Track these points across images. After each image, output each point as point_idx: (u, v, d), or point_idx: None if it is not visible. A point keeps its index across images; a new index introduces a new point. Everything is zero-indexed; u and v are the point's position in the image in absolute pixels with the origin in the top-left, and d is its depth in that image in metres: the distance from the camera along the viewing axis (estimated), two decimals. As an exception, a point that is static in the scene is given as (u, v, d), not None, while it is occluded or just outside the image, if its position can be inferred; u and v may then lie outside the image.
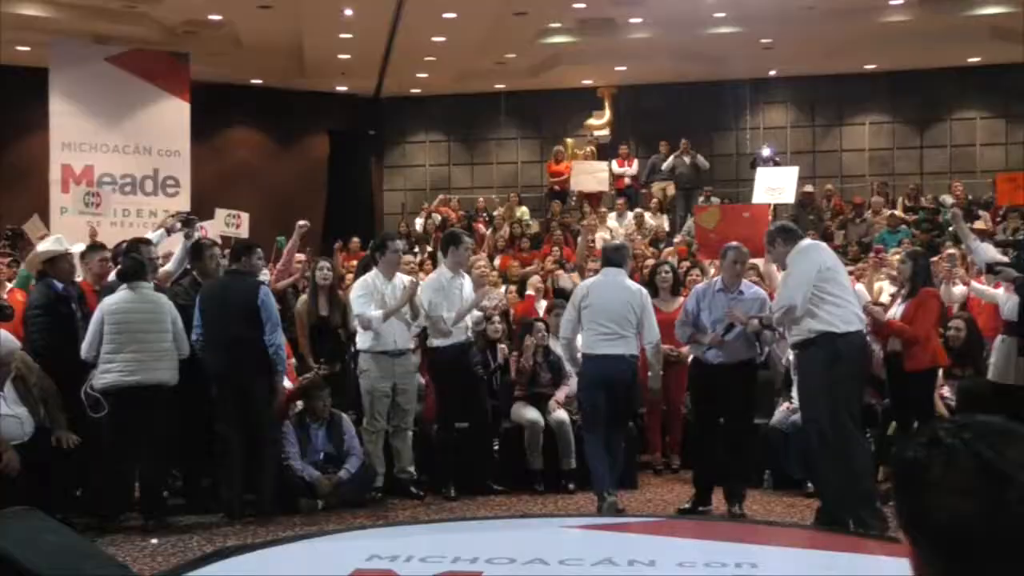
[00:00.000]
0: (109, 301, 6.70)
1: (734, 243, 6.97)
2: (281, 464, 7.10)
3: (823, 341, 5.89)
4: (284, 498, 7.03)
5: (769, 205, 12.77)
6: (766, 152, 16.60)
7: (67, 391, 6.61)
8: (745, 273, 7.13)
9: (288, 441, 7.22)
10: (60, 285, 6.87)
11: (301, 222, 9.00)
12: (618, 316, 6.72)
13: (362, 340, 7.54)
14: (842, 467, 5.90)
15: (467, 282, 7.79)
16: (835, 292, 5.97)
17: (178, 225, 7.96)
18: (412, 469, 7.60)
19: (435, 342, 7.63)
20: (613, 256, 7.06)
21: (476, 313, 7.85)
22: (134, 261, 6.89)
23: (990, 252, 7.06)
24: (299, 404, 7.55)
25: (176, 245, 8.12)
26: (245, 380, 6.90)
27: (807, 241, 6.53)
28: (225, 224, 12.52)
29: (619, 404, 6.82)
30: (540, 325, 8.31)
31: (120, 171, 15.57)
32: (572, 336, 7.03)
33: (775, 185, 13.02)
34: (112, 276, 7.24)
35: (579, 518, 6.82)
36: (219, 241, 9.80)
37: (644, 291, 7.06)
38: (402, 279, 7.65)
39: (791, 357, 7.61)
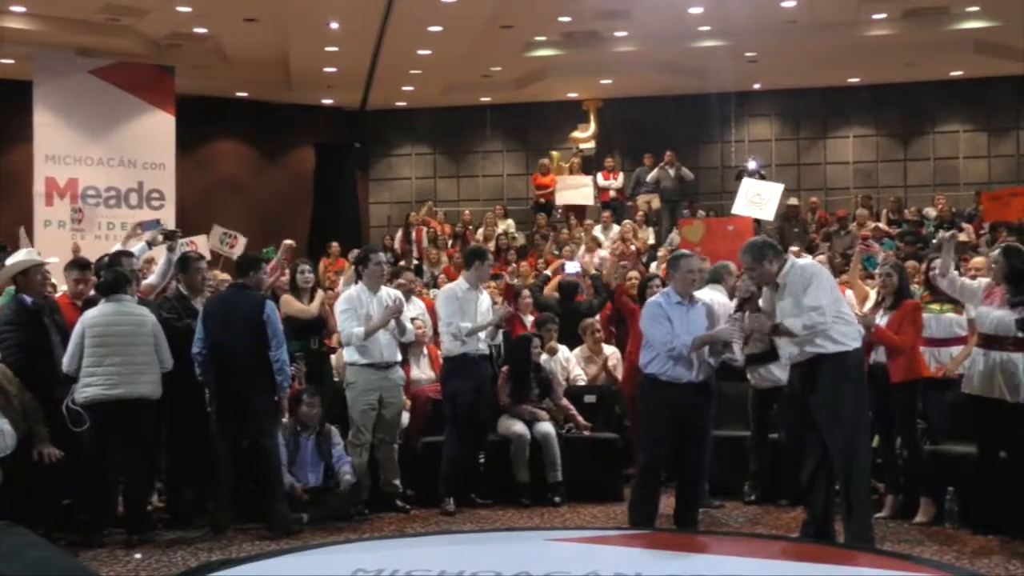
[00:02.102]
0: (90, 314, 6.67)
1: (686, 251, 7.02)
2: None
3: (836, 359, 5.84)
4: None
5: (751, 219, 12.79)
6: (752, 165, 16.66)
7: (43, 407, 6.51)
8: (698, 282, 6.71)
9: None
10: (30, 300, 6.81)
11: (287, 241, 9.05)
12: None
13: (348, 353, 7.53)
14: (861, 478, 5.86)
15: (484, 297, 7.79)
16: (843, 310, 5.99)
17: (160, 238, 7.91)
18: (398, 482, 7.57)
19: (447, 351, 7.64)
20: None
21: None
22: (113, 275, 6.85)
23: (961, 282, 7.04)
24: (287, 416, 7.53)
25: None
26: (246, 396, 6.84)
27: (804, 259, 6.55)
28: (220, 241, 12.50)
29: None
30: (536, 340, 8.33)
31: (104, 184, 15.54)
32: None
33: (758, 199, 13.01)
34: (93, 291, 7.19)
35: (565, 531, 6.81)
36: (208, 256, 9.77)
37: None
38: (388, 293, 7.63)
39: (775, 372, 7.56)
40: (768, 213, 12.99)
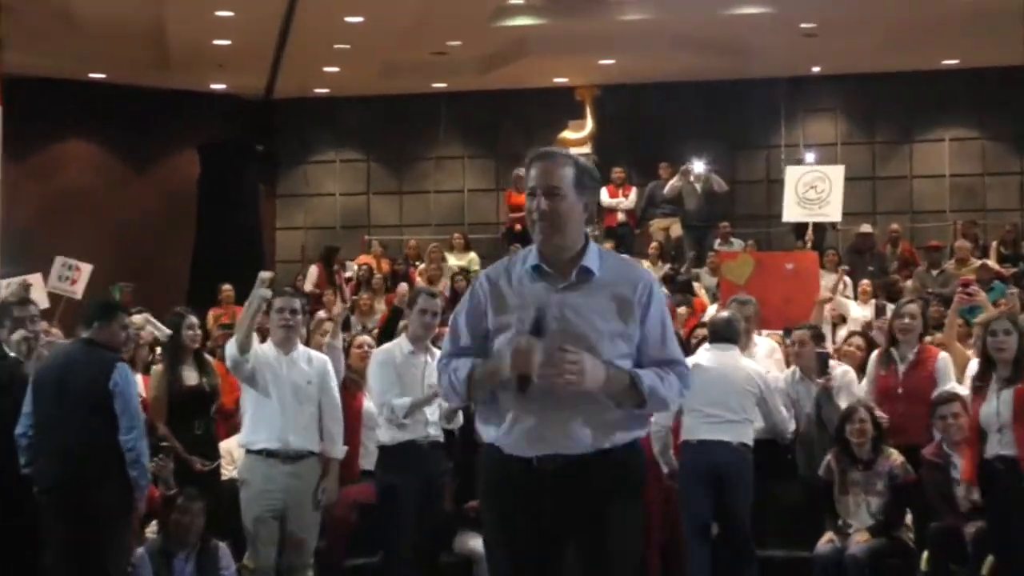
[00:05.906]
0: None
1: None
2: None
3: None
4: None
5: (817, 255, 12.69)
6: (809, 158, 16.79)
7: None
8: None
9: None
10: None
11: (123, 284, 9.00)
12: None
13: (241, 435, 7.41)
14: None
15: (434, 361, 7.60)
16: None
17: None
18: (313, 626, 7.45)
19: (382, 437, 7.57)
20: (724, 331, 7.95)
21: (445, 404, 7.67)
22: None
23: None
24: (153, 526, 7.42)
25: None
26: (86, 499, 6.71)
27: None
28: (59, 277, 12.41)
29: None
30: None
31: None
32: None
33: (813, 194, 12.69)
34: None
35: None
36: (45, 302, 9.64)
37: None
38: (305, 354, 7.49)
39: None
40: (832, 212, 12.66)
